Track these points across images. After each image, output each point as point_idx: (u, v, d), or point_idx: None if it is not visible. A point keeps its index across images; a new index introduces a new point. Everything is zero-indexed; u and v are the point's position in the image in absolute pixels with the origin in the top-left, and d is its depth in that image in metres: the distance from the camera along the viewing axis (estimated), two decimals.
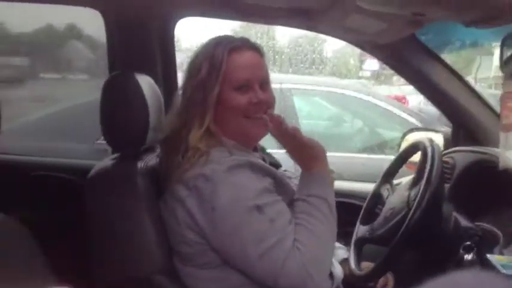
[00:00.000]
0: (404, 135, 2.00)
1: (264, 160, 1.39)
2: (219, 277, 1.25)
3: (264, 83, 1.33)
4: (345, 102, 4.08)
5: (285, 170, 1.50)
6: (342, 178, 3.23)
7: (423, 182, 1.35)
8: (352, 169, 3.32)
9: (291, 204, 1.28)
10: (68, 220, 1.38)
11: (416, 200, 1.33)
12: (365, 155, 3.67)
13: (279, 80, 4.04)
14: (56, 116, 3.78)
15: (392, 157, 1.68)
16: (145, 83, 1.42)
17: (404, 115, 3.74)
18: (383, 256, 1.39)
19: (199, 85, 1.29)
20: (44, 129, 3.46)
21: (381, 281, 1.56)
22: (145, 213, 1.29)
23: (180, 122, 1.32)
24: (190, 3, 1.75)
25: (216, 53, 1.29)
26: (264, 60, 1.36)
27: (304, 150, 1.29)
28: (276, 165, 1.48)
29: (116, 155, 1.42)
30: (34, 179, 1.89)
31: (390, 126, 3.94)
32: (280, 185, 1.28)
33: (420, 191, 1.34)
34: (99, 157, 1.49)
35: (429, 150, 1.40)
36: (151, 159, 1.41)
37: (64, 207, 1.70)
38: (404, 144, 1.92)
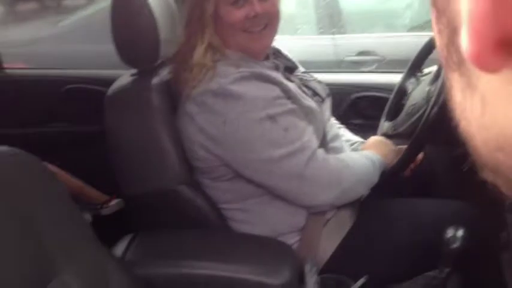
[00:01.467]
0: None
1: (277, 66, 1.37)
2: (233, 188, 1.30)
3: None
4: None
5: (303, 72, 1.48)
6: (388, 60, 3.15)
7: (442, 76, 1.29)
8: (401, 50, 3.19)
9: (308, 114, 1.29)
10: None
11: (434, 96, 1.29)
12: (413, 33, 3.50)
13: None
14: (92, 17, 3.77)
15: None
16: None
17: None
18: (403, 152, 1.39)
19: (196, 0, 1.26)
20: (83, 31, 3.47)
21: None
22: (162, 128, 1.33)
23: (185, 36, 1.31)
24: None
25: None
26: None
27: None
28: (292, 68, 1.45)
29: (134, 71, 1.44)
30: (69, 92, 1.95)
31: None
32: (290, 96, 1.27)
33: (438, 87, 1.29)
34: None
35: None
36: (166, 73, 1.42)
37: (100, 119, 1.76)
38: None
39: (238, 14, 1.25)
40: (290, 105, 1.26)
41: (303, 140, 1.23)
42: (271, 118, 1.21)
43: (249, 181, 1.27)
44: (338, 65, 3.21)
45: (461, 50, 0.18)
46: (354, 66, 3.20)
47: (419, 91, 1.46)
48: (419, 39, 3.27)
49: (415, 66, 1.58)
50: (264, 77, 1.25)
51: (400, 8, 3.90)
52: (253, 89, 1.22)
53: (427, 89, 1.38)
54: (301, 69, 1.49)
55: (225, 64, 1.26)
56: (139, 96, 1.36)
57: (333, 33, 3.36)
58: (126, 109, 1.37)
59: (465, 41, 0.18)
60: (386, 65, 3.13)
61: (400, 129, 1.47)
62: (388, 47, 3.26)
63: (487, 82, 0.19)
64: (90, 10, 3.90)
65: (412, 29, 3.60)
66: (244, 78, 1.23)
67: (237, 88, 1.21)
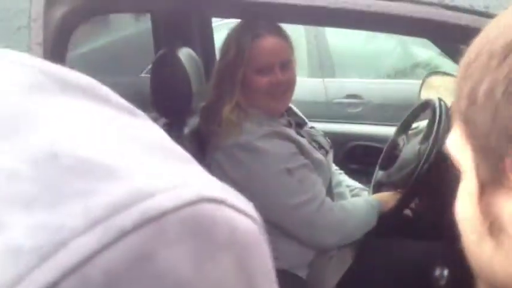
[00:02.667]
0: (424, 79, 2.13)
1: (289, 123, 1.60)
2: None
3: (285, 65, 1.50)
4: None
5: (311, 127, 1.71)
6: (373, 104, 3.42)
7: (431, 139, 1.55)
8: (383, 95, 3.47)
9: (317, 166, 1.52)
10: None
11: (425, 155, 1.54)
12: (397, 80, 3.79)
13: None
14: (98, 50, 3.98)
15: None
16: (186, 55, 1.62)
17: None
18: (396, 201, 1.63)
19: (227, 66, 1.49)
20: (89, 63, 3.66)
21: None
22: None
23: (214, 95, 1.53)
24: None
25: (241, 38, 1.47)
26: (286, 43, 1.51)
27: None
28: (302, 124, 1.69)
29: (165, 121, 1.65)
30: None
31: (423, 43, 3.95)
32: (303, 151, 1.50)
33: (428, 147, 1.54)
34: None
35: (437, 110, 1.58)
36: (194, 123, 1.64)
37: None
38: (424, 89, 2.07)
39: (262, 81, 1.48)
40: (304, 160, 1.49)
41: (314, 191, 1.46)
42: (289, 171, 1.44)
43: (266, 221, 1.49)
44: (327, 106, 3.47)
45: (503, 229, 0.39)
46: (342, 107, 3.47)
47: (410, 147, 1.71)
48: (402, 85, 3.58)
49: (407, 124, 1.83)
50: (283, 135, 1.48)
51: (385, 51, 4.20)
52: (274, 146, 1.45)
53: (417, 147, 1.63)
54: (309, 124, 1.72)
55: (249, 121, 1.49)
56: None
57: (323, 77, 3.64)
58: None
59: None
60: (371, 108, 3.41)
61: (393, 179, 1.71)
62: (374, 92, 3.55)
63: (511, 249, 0.38)
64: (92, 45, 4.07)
65: (395, 74, 3.90)
66: (267, 136, 1.46)
67: (261, 144, 1.44)
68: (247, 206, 0.24)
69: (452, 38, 0.96)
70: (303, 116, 1.74)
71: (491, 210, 0.41)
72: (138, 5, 1.11)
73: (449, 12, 0.71)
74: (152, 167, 0.21)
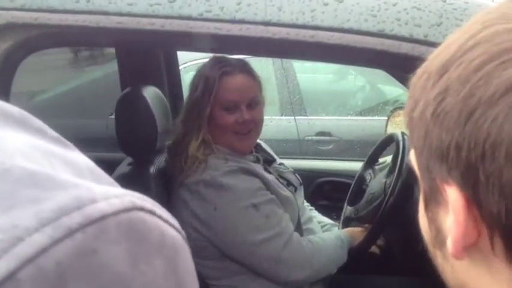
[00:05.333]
0: (389, 115, 2.17)
1: (257, 159, 1.60)
2: (220, 266, 1.49)
3: (253, 103, 1.51)
4: None
5: (280, 164, 1.71)
6: (343, 141, 3.47)
7: (396, 172, 1.56)
8: (353, 132, 3.54)
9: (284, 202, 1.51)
10: None
11: (390, 188, 1.55)
12: (365, 118, 3.85)
13: None
14: (69, 93, 3.97)
15: None
16: (152, 94, 1.62)
17: None
18: (365, 235, 1.62)
19: (195, 102, 1.50)
20: (58, 106, 3.65)
21: None
22: None
23: (182, 130, 1.53)
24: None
25: (209, 75, 1.48)
26: (255, 82, 1.53)
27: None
28: (271, 160, 1.69)
29: (131, 160, 1.64)
30: None
31: (392, 81, 4.03)
32: (268, 186, 1.49)
33: (393, 181, 1.55)
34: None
35: (401, 144, 1.60)
36: (161, 162, 1.63)
37: None
38: (390, 125, 2.11)
39: (229, 119, 1.49)
40: (270, 196, 1.48)
41: (281, 226, 1.45)
42: (255, 206, 1.43)
43: (234, 260, 1.47)
44: (299, 144, 3.50)
45: (445, 241, 0.40)
46: (313, 145, 3.50)
47: (376, 182, 1.72)
48: (371, 122, 3.63)
49: (372, 159, 1.85)
50: (249, 171, 1.48)
51: (354, 89, 4.28)
52: (240, 182, 1.45)
53: (383, 181, 1.64)
54: (278, 161, 1.73)
55: (215, 158, 1.48)
56: (139, 184, 1.55)
57: (294, 115, 3.68)
58: None
59: (449, 245, 0.38)
60: (342, 145, 3.45)
61: (361, 214, 1.72)
62: (344, 129, 3.60)
63: (454, 260, 0.39)
64: (63, 88, 4.07)
65: (365, 112, 3.96)
66: (232, 172, 1.45)
67: (226, 180, 1.43)
68: (174, 220, 0.27)
69: (392, 66, 0.99)
70: (272, 153, 1.74)
71: (435, 224, 0.42)
72: (84, 39, 1.11)
73: (389, 41, 0.73)
74: (89, 183, 0.25)
